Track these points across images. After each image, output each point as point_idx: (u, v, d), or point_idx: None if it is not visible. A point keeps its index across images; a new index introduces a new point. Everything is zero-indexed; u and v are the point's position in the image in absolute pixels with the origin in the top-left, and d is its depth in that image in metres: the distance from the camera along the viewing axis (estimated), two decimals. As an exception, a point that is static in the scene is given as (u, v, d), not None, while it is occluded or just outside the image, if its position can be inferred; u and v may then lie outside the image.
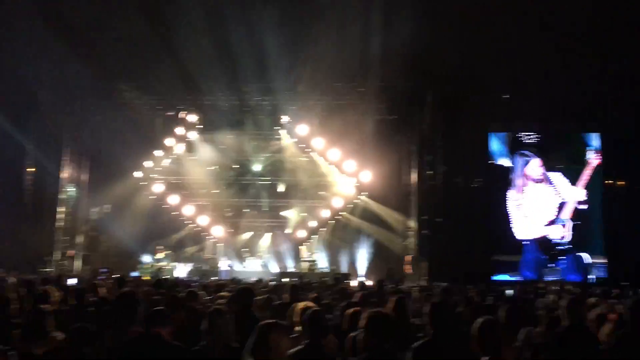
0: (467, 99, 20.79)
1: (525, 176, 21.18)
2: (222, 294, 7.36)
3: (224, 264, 23.12)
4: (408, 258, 22.56)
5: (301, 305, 5.00)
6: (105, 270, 18.27)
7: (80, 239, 23.62)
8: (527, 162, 21.21)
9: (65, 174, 23.14)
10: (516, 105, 21.19)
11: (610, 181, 21.56)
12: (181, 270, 22.34)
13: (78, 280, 13.58)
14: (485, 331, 3.64)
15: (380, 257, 23.22)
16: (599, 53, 18.98)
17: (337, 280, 14.30)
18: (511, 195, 21.18)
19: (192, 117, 23.77)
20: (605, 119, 21.21)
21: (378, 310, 3.76)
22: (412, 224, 22.57)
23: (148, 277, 18.62)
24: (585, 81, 20.29)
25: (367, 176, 22.91)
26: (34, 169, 22.80)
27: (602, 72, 19.68)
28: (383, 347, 3.53)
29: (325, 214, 24.30)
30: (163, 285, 9.51)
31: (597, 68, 19.49)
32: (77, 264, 22.84)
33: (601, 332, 4.86)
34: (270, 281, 13.64)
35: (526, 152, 21.29)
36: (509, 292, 11.01)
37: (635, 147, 20.90)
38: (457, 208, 20.80)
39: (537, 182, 21.16)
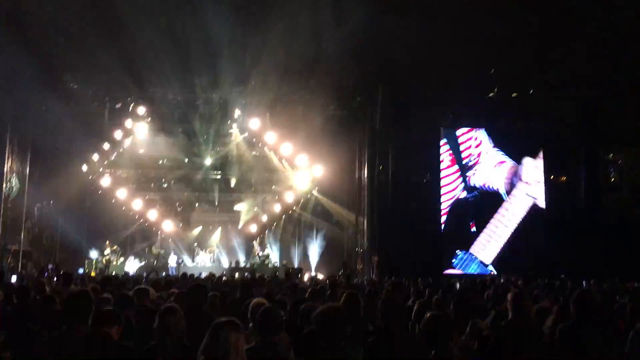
0: (418, 94, 21.11)
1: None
2: (173, 290, 7.24)
3: (173, 260, 22.80)
4: (359, 252, 22.79)
5: (254, 302, 4.99)
6: (51, 267, 17.67)
7: (22, 234, 22.76)
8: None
9: (6, 166, 22.22)
10: (466, 103, 21.67)
11: (552, 176, 22.33)
12: (130, 267, 21.91)
13: (19, 277, 13.13)
14: (432, 326, 3.71)
15: (332, 251, 23.39)
16: (545, 55, 19.62)
17: (289, 275, 14.33)
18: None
19: (141, 110, 23.23)
20: (547, 117, 21.93)
21: (330, 306, 3.79)
22: (364, 218, 22.79)
23: (94, 274, 18.21)
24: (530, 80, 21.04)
25: (319, 171, 22.99)
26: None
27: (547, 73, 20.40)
28: (336, 343, 3.56)
29: (277, 208, 24.29)
30: (111, 282, 9.29)
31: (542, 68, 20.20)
32: (18, 261, 22.02)
33: (545, 324, 5.04)
34: (222, 276, 13.54)
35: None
36: (458, 285, 11.27)
37: (577, 144, 21.77)
38: (409, 203, 21.12)
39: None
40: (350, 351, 3.86)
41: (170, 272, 20.25)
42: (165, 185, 24.91)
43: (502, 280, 14.44)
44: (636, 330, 4.65)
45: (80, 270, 19.78)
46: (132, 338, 4.53)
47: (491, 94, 21.59)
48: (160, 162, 24.39)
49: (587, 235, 20.42)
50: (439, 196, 21.65)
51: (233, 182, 24.73)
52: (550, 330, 4.86)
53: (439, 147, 21.93)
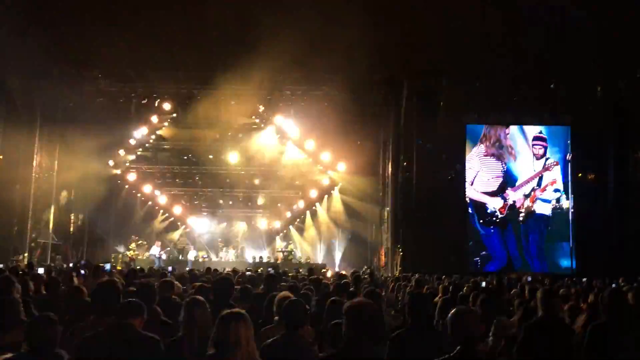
0: (443, 90, 20.91)
1: (498, 141, 21.59)
2: (197, 284, 7.28)
3: (192, 255, 22.97)
4: (383, 249, 22.70)
5: (279, 295, 4.99)
6: (84, 262, 17.88)
7: (51, 227, 23.15)
8: (503, 130, 21.67)
9: (35, 161, 22.60)
10: (491, 98, 21.38)
11: (580, 174, 21.93)
12: (155, 260, 22.13)
13: (47, 270, 13.34)
14: (458, 321, 3.65)
15: (356, 247, 23.34)
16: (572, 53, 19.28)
17: (311, 270, 14.30)
18: (476, 151, 21.60)
19: (167, 105, 23.41)
20: (576, 115, 21.53)
21: (358, 301, 3.75)
22: (388, 214, 22.69)
23: (120, 268, 18.43)
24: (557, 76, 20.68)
25: (343, 167, 22.95)
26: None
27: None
28: (361, 338, 3.52)
29: (301, 204, 24.31)
30: (136, 275, 9.39)
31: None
32: (47, 254, 22.41)
33: (576, 323, 4.95)
34: (247, 271, 13.59)
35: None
36: (484, 282, 11.14)
37: (605, 141, 21.34)
38: (433, 199, 20.93)
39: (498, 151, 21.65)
40: (374, 347, 3.81)
41: (188, 267, 20.35)
42: (190, 181, 25.12)
43: (529, 279, 14.23)
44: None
45: (108, 266, 20.02)
46: (158, 330, 4.55)
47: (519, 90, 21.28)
48: (186, 157, 24.60)
49: (616, 235, 20.04)
50: (464, 192, 21.43)
51: (258, 178, 24.84)
52: (581, 329, 4.77)
53: (464, 143, 21.70)
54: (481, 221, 21.23)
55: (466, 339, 3.55)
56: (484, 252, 21.02)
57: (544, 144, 21.56)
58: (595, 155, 21.63)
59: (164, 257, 22.39)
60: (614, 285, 11.00)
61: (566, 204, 21.23)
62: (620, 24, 18.04)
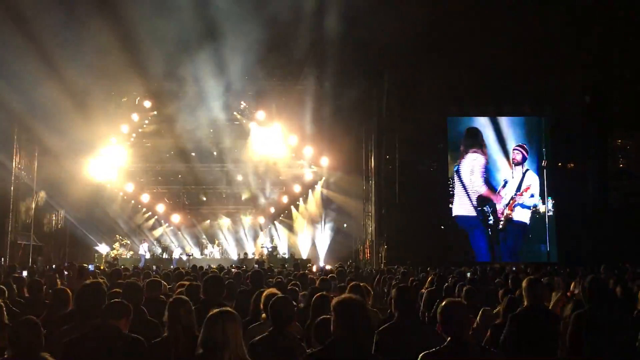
0: (423, 82, 20.98)
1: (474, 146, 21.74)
2: (185, 282, 7.23)
3: (180, 252, 22.87)
4: (367, 242, 22.78)
5: (266, 292, 4.97)
6: (67, 264, 17.67)
7: (32, 229, 22.84)
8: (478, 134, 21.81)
9: (15, 162, 22.27)
10: (472, 89, 21.52)
11: (560, 163, 22.18)
12: (139, 259, 21.98)
13: (30, 272, 13.19)
14: (448, 312, 3.67)
15: (340, 241, 23.37)
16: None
17: (297, 266, 14.28)
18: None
19: (147, 103, 23.18)
20: (555, 103, 21.75)
21: (346, 296, 3.76)
22: (371, 208, 22.75)
23: (103, 267, 18.26)
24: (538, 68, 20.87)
25: (326, 161, 22.93)
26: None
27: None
28: (349, 333, 3.53)
29: (285, 199, 24.27)
30: (121, 275, 9.29)
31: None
32: (29, 255, 22.12)
33: (563, 311, 5.01)
34: (233, 268, 13.54)
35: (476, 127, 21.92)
36: (468, 273, 11.23)
37: (585, 130, 21.59)
38: (416, 191, 21.04)
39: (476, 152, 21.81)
40: (362, 340, 3.81)
41: (173, 265, 20.23)
42: (173, 179, 24.94)
43: (513, 268, 14.38)
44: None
45: (91, 266, 19.81)
46: (144, 330, 4.52)
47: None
48: (167, 155, 24.39)
49: (597, 222, 20.31)
50: (447, 184, 21.56)
51: (241, 173, 24.72)
52: (568, 316, 4.83)
53: (445, 135, 21.83)
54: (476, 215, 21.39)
55: (456, 331, 3.58)
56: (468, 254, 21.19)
57: (523, 152, 21.70)
58: (575, 145, 21.90)
59: (147, 256, 22.24)
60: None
61: (542, 207, 21.40)
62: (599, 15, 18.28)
